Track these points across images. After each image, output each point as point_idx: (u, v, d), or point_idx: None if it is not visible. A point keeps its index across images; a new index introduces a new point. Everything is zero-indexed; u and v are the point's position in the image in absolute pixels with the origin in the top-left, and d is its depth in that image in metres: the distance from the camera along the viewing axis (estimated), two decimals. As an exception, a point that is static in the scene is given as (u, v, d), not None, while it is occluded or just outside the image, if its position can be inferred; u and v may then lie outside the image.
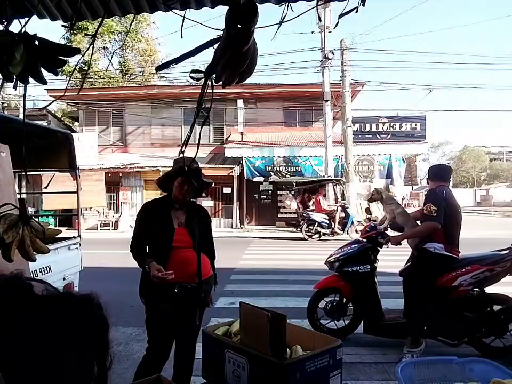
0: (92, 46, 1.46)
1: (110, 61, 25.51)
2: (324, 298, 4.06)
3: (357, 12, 1.36)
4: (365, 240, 3.96)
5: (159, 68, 1.40)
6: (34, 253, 1.44)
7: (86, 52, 1.60)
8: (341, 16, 1.39)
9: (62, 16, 1.82)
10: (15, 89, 1.30)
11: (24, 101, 1.38)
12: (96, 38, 1.51)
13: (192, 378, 2.58)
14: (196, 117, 1.29)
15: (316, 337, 1.94)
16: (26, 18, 1.34)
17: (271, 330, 1.64)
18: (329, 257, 4.12)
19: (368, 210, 3.94)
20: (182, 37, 1.41)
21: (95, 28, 23.05)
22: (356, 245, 3.97)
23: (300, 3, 1.70)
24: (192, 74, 1.29)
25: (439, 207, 3.32)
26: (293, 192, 14.64)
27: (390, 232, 4.04)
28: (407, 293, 3.63)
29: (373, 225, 4.03)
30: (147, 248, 2.48)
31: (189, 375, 2.55)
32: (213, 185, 2.75)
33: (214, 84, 1.27)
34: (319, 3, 1.58)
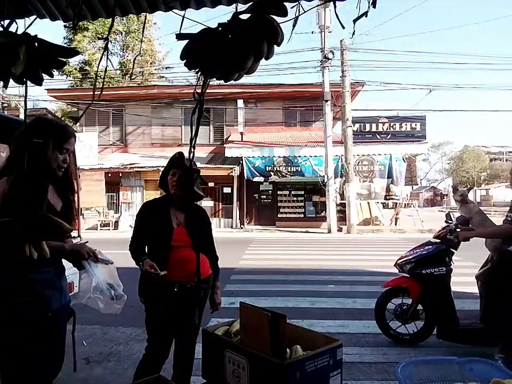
0: (106, 50, 1.45)
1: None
2: (391, 299, 3.90)
3: (366, 16, 1.36)
4: (438, 240, 3.78)
5: (180, 36, 1.34)
6: None
7: (88, 51, 1.60)
8: (355, 21, 1.40)
9: (62, 16, 1.82)
10: (6, 88, 1.30)
11: (25, 101, 1.37)
12: (109, 41, 1.50)
13: (192, 378, 2.58)
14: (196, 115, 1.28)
15: (316, 337, 1.94)
16: (30, 20, 1.34)
17: (271, 330, 1.64)
18: (399, 259, 3.92)
19: (448, 216, 3.82)
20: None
21: (95, 28, 23.11)
22: (430, 247, 3.77)
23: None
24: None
25: None
26: None
27: None
28: (488, 296, 3.42)
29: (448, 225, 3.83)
30: (146, 248, 2.49)
31: (188, 375, 2.55)
32: (207, 182, 2.75)
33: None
34: (320, 3, 1.60)
